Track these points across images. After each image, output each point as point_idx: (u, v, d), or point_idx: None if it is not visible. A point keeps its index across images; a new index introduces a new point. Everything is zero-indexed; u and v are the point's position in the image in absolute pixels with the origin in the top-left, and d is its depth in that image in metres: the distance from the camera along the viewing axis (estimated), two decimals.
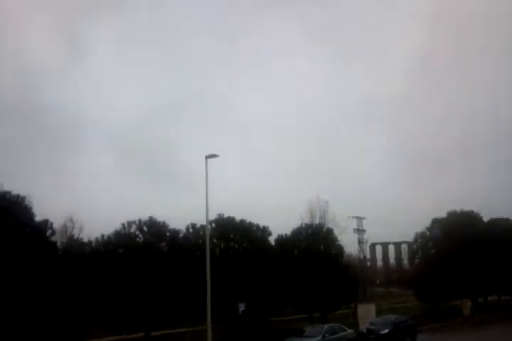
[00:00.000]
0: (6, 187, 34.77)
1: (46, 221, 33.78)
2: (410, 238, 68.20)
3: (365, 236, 58.73)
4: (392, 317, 40.36)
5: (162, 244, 38.19)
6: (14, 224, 30.99)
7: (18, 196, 32.36)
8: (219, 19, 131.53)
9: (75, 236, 47.81)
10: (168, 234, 38.53)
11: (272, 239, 45.89)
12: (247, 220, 42.94)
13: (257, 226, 43.43)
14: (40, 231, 32.95)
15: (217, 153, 28.67)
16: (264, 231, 44.06)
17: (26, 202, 32.79)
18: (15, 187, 34.60)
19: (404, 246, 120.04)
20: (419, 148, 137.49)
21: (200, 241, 38.58)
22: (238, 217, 42.50)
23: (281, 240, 47.26)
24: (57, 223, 39.36)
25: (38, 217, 33.69)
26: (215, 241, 40.30)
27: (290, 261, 44.52)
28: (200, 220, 38.22)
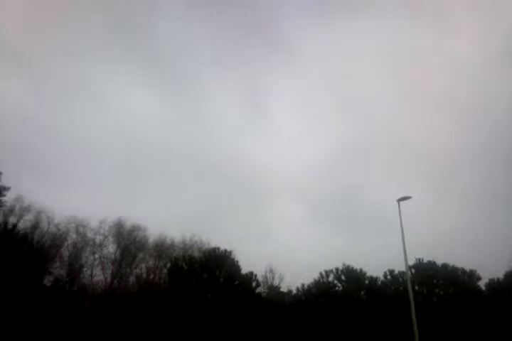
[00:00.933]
0: (213, 244, 38.87)
1: (251, 273, 36.31)
2: None
3: None
4: None
5: (361, 292, 37.65)
6: (225, 277, 34.07)
7: (225, 251, 35.75)
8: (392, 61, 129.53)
9: (276, 285, 49.94)
10: (366, 281, 37.94)
11: (481, 284, 41.57)
12: (450, 264, 39.90)
13: (463, 269, 40.00)
14: (247, 283, 35.50)
15: (409, 195, 27.65)
16: (472, 275, 40.27)
17: (233, 256, 36.00)
18: (220, 242, 38.38)
19: None
20: None
21: (401, 288, 36.93)
22: (439, 261, 39.84)
23: (493, 284, 42.47)
24: (259, 273, 41.81)
25: (243, 269, 36.52)
26: (416, 287, 38.16)
27: (507, 307, 39.52)
28: (398, 266, 36.84)
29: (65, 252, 36.53)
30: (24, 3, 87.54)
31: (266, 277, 50.84)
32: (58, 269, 35.17)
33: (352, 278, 37.65)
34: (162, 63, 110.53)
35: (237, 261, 35.85)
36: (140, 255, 39.70)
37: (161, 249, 41.14)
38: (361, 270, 37.73)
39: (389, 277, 39.21)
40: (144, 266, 40.15)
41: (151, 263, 40.68)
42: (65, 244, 36.77)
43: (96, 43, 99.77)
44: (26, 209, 35.34)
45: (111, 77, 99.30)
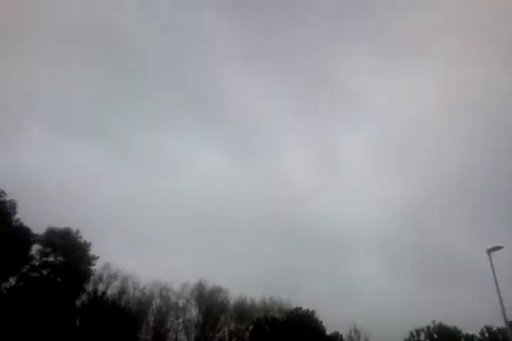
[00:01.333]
0: (294, 303, 38.15)
1: (337, 334, 35.12)
2: None
3: None
4: None
5: None
6: (309, 338, 33.12)
7: (307, 310, 34.97)
8: None
9: None
10: (462, 340, 35.27)
11: None
12: None
13: None
14: None
15: (500, 245, 26.04)
16: None
17: (316, 316, 35.06)
18: (301, 301, 37.57)
19: None
20: None
21: None
22: None
23: None
24: (343, 333, 39.93)
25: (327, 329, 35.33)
26: None
27: None
28: (496, 321, 34.04)
29: (150, 317, 37.14)
30: (97, 79, 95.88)
31: (351, 337, 48.62)
32: (144, 334, 35.67)
33: (445, 336, 35.26)
34: (228, 123, 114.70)
35: (321, 322, 34.81)
36: (222, 317, 39.50)
37: (242, 309, 40.75)
38: (455, 327, 35.19)
39: (486, 334, 36.28)
40: (226, 329, 39.82)
41: (232, 326, 40.28)
42: (150, 309, 37.44)
43: (167, 110, 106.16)
44: (113, 276, 36.71)
45: (181, 143, 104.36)
